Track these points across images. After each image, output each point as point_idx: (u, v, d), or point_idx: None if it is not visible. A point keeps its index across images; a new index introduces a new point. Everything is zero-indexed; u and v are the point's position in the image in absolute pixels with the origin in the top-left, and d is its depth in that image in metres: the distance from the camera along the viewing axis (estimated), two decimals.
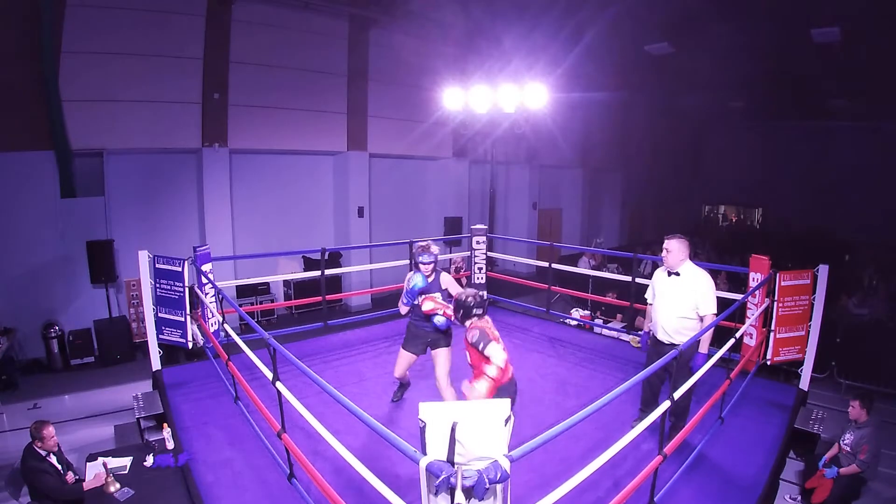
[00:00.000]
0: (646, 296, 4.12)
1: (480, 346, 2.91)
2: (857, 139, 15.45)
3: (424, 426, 1.96)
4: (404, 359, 4.20)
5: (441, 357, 4.00)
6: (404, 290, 3.92)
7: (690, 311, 3.66)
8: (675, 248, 3.71)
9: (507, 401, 2.02)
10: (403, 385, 4.60)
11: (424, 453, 1.95)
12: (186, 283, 5.04)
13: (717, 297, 3.67)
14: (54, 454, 3.60)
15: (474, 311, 3.16)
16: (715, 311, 3.63)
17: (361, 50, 9.85)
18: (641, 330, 6.70)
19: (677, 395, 2.98)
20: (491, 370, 2.81)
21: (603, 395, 2.51)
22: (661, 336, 3.82)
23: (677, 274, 3.73)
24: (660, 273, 3.90)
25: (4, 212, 6.95)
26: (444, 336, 4.02)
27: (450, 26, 10.39)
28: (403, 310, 4.00)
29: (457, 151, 11.78)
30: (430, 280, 3.99)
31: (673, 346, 3.60)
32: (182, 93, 7.97)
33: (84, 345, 7.30)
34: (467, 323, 3.15)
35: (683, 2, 8.81)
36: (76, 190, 7.23)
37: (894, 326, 7.41)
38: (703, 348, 3.59)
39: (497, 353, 2.85)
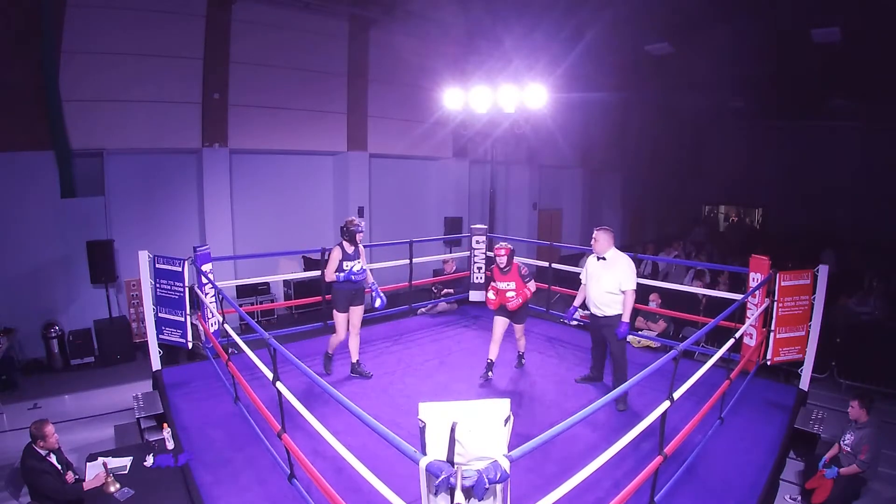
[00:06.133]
0: (580, 277, 4.82)
1: None
2: (858, 139, 15.41)
3: (424, 426, 1.96)
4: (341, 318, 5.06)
5: (359, 311, 5.07)
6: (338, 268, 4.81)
7: (615, 288, 4.38)
8: (601, 238, 4.47)
9: (507, 401, 2.03)
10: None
11: (424, 453, 1.96)
12: (186, 283, 5.04)
13: (717, 297, 3.75)
14: (54, 454, 3.60)
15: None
16: (633, 288, 4.38)
17: (361, 50, 9.84)
18: (642, 331, 6.75)
19: (676, 394, 2.99)
20: None
21: (603, 395, 2.52)
22: (594, 310, 4.55)
23: (605, 259, 4.47)
24: (591, 259, 4.64)
25: (4, 212, 6.94)
26: (360, 294, 5.04)
27: (450, 26, 10.38)
28: (332, 277, 4.81)
29: (457, 151, 11.77)
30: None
31: (606, 317, 4.45)
32: (182, 93, 7.97)
33: (84, 345, 7.29)
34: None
35: (683, 2, 8.79)
36: (76, 190, 7.21)
37: (894, 326, 7.39)
38: (625, 317, 4.39)
39: None
